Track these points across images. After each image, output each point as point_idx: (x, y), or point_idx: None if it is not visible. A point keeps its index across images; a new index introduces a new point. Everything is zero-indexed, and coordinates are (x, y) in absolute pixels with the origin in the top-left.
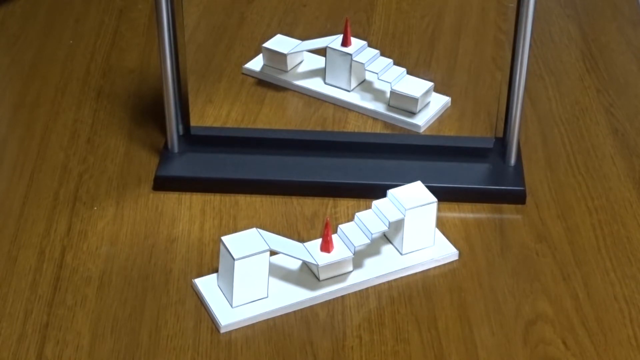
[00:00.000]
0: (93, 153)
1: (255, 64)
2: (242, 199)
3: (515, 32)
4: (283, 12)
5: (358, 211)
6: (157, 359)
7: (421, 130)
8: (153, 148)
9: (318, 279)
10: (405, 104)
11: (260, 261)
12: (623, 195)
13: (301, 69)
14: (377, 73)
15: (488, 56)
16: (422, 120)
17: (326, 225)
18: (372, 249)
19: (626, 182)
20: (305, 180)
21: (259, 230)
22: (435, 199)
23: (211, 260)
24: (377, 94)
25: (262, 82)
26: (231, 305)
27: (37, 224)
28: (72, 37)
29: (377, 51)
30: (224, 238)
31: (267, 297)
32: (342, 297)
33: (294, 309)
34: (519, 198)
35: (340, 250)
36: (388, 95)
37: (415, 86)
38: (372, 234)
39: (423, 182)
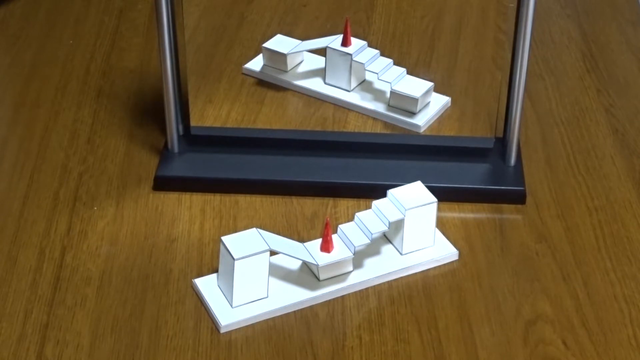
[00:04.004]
0: (93, 153)
1: (255, 64)
2: (242, 199)
3: (515, 32)
4: (283, 12)
5: (358, 211)
6: (157, 359)
7: (421, 130)
8: (153, 148)
9: (318, 279)
10: (405, 104)
11: (260, 261)
12: (623, 195)
13: (301, 69)
14: (377, 73)
15: (488, 56)
16: (422, 120)
17: (326, 225)
18: (372, 249)
19: (626, 182)
20: (305, 180)
21: (259, 230)
22: (435, 199)
23: (211, 260)
24: (377, 94)
25: (262, 82)
26: (231, 305)
27: (37, 224)
28: (72, 37)
29: (377, 51)
30: (224, 238)
31: (267, 297)
32: (342, 297)
33: (294, 309)
34: (519, 198)
35: (340, 250)
36: (388, 95)
37: (415, 86)
38: (372, 234)
39: (423, 182)
